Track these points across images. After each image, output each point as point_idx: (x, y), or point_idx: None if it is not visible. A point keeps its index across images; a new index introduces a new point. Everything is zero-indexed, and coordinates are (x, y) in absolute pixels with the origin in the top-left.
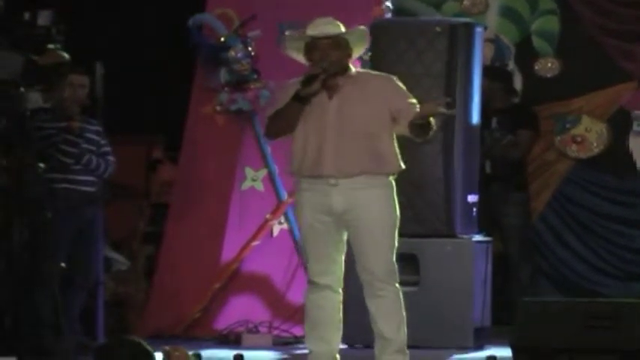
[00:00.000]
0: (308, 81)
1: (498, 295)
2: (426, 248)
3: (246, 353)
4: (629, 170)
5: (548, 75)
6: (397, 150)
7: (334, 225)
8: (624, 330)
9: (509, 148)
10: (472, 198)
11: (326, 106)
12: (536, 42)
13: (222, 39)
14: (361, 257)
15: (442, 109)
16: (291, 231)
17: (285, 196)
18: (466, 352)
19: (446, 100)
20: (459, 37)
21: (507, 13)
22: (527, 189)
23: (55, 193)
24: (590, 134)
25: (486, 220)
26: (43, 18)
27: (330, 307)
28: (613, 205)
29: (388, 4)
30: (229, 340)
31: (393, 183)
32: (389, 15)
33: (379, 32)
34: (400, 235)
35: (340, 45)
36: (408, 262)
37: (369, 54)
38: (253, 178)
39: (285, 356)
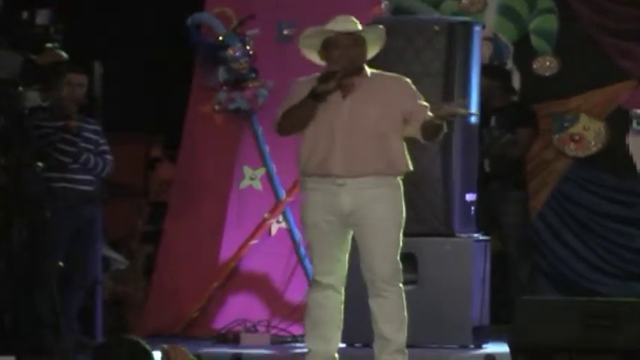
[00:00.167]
0: (326, 78)
1: (497, 293)
2: (425, 247)
3: (244, 352)
4: (627, 169)
5: (547, 74)
6: (406, 151)
7: (340, 224)
8: (623, 329)
9: (508, 147)
10: (470, 197)
11: (339, 105)
12: (535, 41)
13: (221, 38)
14: (366, 257)
15: (462, 110)
16: (289, 230)
17: (283, 195)
18: (465, 351)
19: (463, 101)
20: (457, 36)
21: (506, 11)
22: (526, 187)
23: (53, 192)
24: (588, 133)
25: (485, 219)
26: (42, 17)
27: (332, 306)
28: (611, 203)
29: (387, 2)
30: (228, 339)
31: (401, 183)
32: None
33: None
34: None
35: (359, 43)
36: (406, 261)
37: None
38: (251, 177)
39: (284, 355)
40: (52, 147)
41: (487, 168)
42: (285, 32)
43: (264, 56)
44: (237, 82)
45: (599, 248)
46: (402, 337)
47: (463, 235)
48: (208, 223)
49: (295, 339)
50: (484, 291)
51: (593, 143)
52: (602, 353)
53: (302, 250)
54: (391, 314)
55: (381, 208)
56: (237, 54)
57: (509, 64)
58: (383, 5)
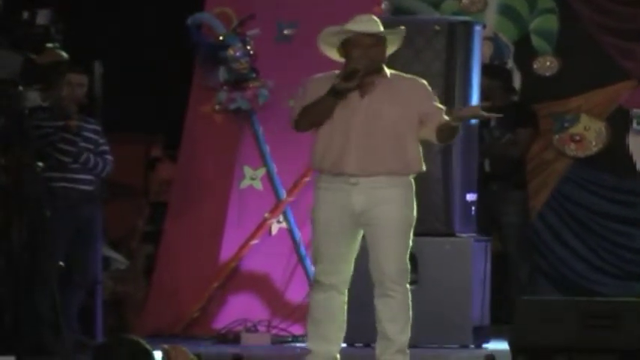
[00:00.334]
0: (349, 76)
1: (497, 293)
2: (425, 247)
3: (244, 352)
4: (627, 169)
5: (547, 74)
6: (421, 152)
7: (351, 224)
8: (623, 329)
9: (509, 147)
10: (471, 197)
11: (357, 104)
12: (535, 40)
13: (221, 38)
14: (377, 257)
15: (483, 113)
16: (289, 230)
17: (283, 195)
18: (465, 351)
19: (484, 104)
20: (457, 36)
21: (506, 11)
22: (527, 187)
23: (53, 191)
24: (588, 133)
25: (485, 219)
26: (42, 17)
27: (334, 307)
28: (612, 203)
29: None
30: (228, 339)
31: (413, 183)
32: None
33: None
34: None
35: (380, 43)
36: None
37: None
38: (252, 177)
39: (284, 355)
40: (52, 147)
41: (487, 168)
42: (286, 32)
43: (264, 56)
44: (237, 82)
45: (599, 248)
46: (404, 337)
47: (463, 235)
48: (208, 223)
49: (296, 339)
50: (484, 291)
51: (593, 143)
52: (602, 353)
53: (302, 250)
54: (396, 314)
55: (393, 207)
56: (238, 54)
57: (510, 64)
58: (383, 5)
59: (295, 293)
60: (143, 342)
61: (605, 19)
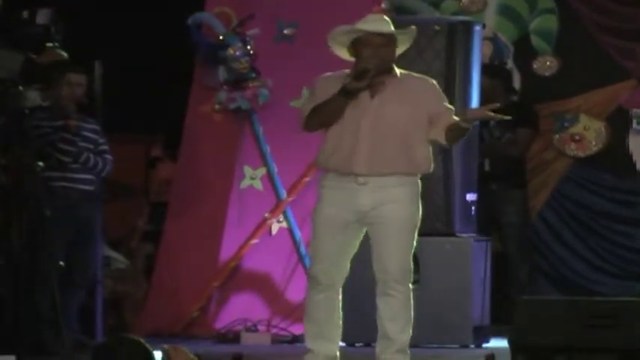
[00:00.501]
0: (359, 76)
1: (497, 293)
2: (425, 247)
3: (244, 352)
4: (627, 169)
5: (547, 73)
6: (430, 151)
7: (355, 223)
8: (623, 329)
9: (509, 146)
10: (471, 196)
11: (367, 104)
12: (535, 40)
13: (221, 37)
14: (381, 256)
15: (491, 114)
16: (290, 229)
17: (284, 194)
18: (465, 351)
19: (491, 106)
20: (457, 36)
21: (506, 11)
22: (527, 187)
23: (53, 191)
24: (588, 133)
25: (485, 219)
26: (42, 16)
27: (332, 306)
28: (612, 203)
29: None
30: (228, 338)
31: (419, 183)
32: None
33: None
34: None
35: (390, 43)
36: None
37: None
38: (252, 177)
39: (284, 354)
40: (52, 146)
41: (487, 168)
42: (285, 32)
43: (264, 56)
44: (237, 82)
45: (599, 248)
46: (405, 337)
47: (463, 235)
48: (208, 223)
49: (296, 338)
50: (484, 290)
51: (593, 143)
52: (602, 353)
53: (302, 249)
54: (397, 314)
55: (400, 206)
56: (238, 53)
57: (510, 64)
58: (383, 5)
59: (295, 293)
60: (143, 342)
61: (605, 19)
